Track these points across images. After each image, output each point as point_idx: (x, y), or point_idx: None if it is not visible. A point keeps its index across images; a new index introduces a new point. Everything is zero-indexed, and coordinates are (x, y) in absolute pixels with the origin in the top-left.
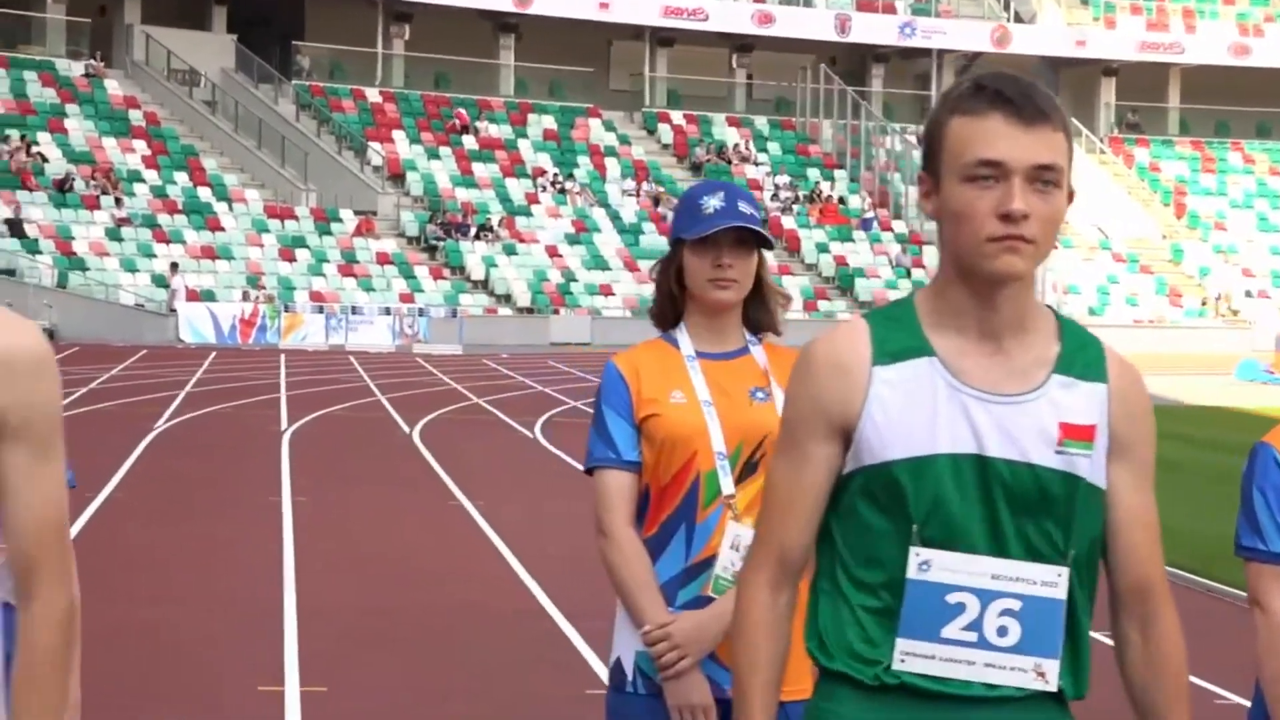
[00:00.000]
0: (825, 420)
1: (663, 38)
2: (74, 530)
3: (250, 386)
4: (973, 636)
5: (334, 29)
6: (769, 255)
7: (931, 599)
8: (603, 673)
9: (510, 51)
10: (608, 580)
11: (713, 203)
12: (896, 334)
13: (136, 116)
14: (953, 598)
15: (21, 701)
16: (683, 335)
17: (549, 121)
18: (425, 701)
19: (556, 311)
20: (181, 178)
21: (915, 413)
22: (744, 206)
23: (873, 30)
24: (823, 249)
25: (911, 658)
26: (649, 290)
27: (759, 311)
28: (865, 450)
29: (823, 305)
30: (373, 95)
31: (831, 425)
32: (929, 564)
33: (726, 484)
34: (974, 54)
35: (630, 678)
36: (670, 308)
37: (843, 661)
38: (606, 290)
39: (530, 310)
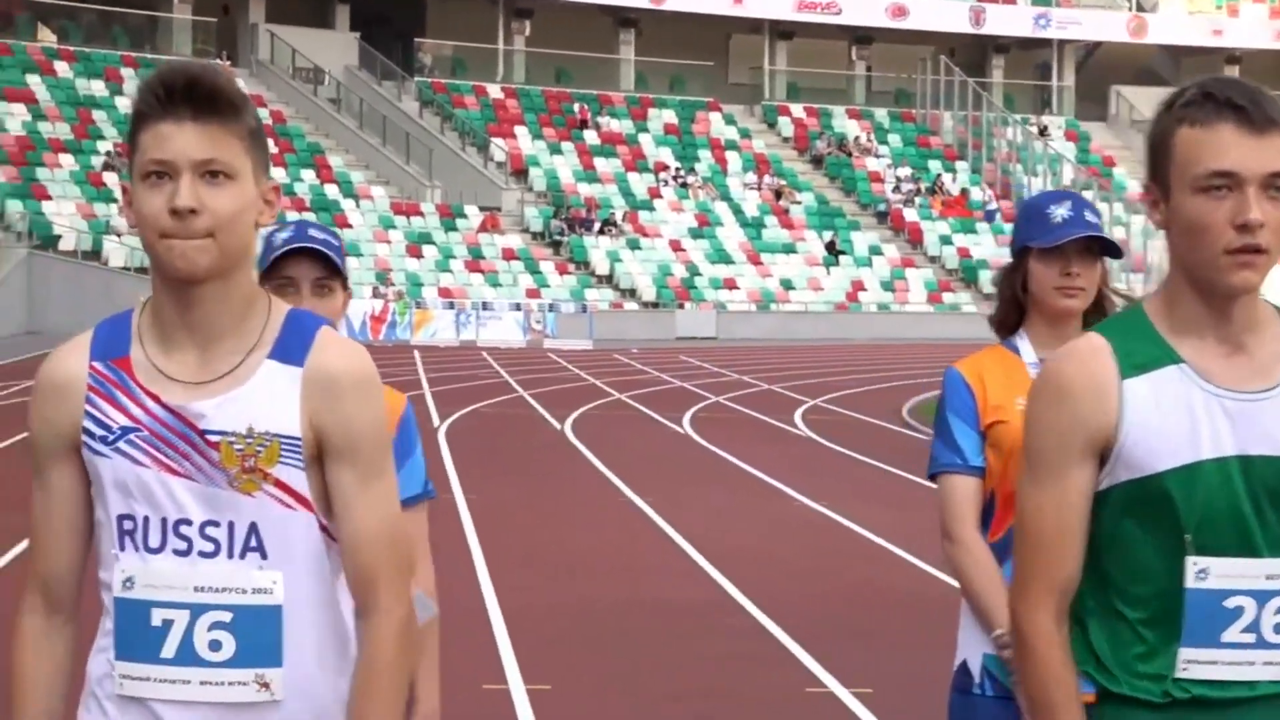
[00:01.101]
0: (1085, 441)
1: (782, 31)
2: None
3: (392, 383)
4: (1251, 638)
5: (455, 25)
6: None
7: (1211, 606)
8: (817, 669)
9: (630, 46)
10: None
11: (1060, 211)
12: (1139, 345)
13: (262, 115)
14: (1231, 602)
15: (360, 710)
16: (1024, 342)
17: (669, 116)
18: (651, 700)
19: (681, 305)
20: (308, 175)
21: (1175, 421)
22: (1090, 215)
23: (1006, 22)
24: (946, 241)
25: (1194, 665)
26: (773, 284)
27: (1099, 318)
28: (1125, 466)
29: (946, 298)
30: (494, 91)
31: (1092, 446)
32: (1206, 572)
33: None
34: (1094, 44)
35: (978, 680)
36: (1013, 314)
37: (1128, 683)
38: (730, 284)
39: (655, 305)
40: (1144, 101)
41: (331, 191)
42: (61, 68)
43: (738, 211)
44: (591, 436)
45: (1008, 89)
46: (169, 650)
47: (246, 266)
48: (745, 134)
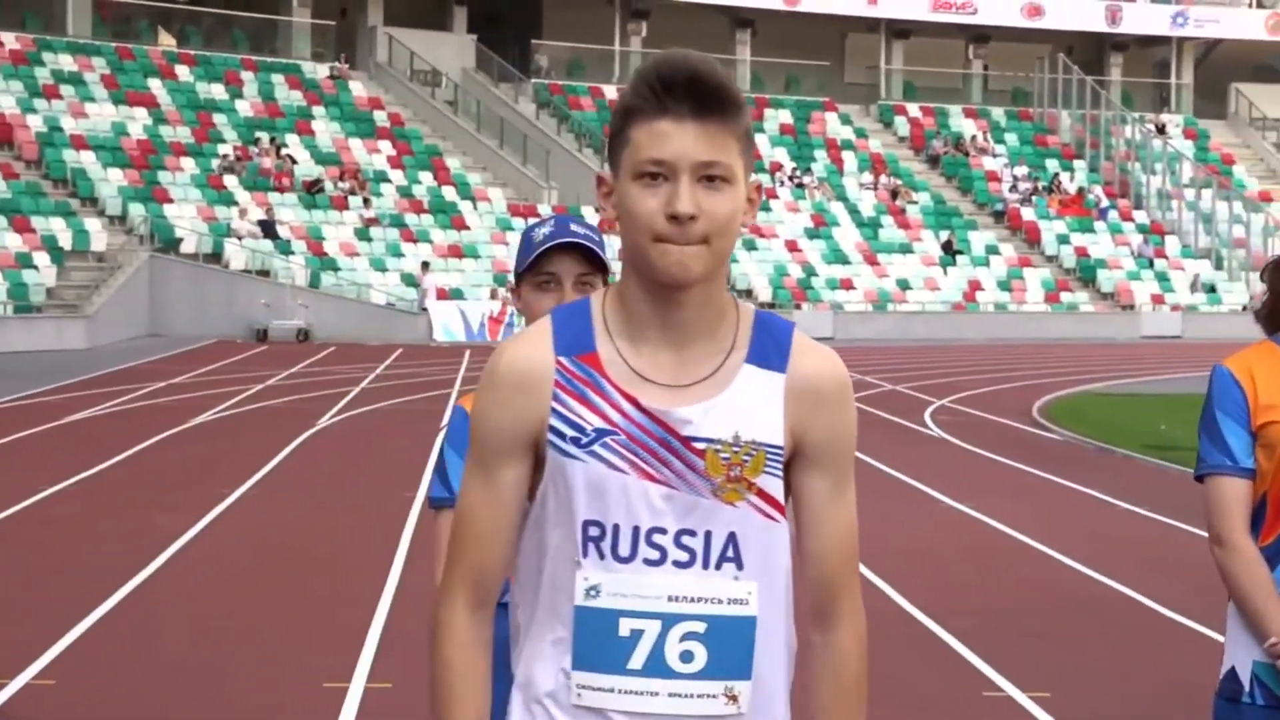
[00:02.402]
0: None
1: (898, 30)
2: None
3: None
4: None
5: (571, 27)
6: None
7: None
8: (990, 672)
9: (746, 46)
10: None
11: None
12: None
13: (381, 118)
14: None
15: None
16: None
17: (785, 116)
18: None
19: (798, 306)
20: (426, 177)
21: None
22: None
23: (1145, 20)
24: (1063, 240)
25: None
26: (889, 285)
27: None
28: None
29: (1065, 297)
30: (611, 93)
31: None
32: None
33: None
34: (1214, 41)
35: (1247, 688)
36: None
37: None
38: (847, 284)
39: (772, 305)
40: (1263, 99)
41: (449, 194)
42: (182, 71)
43: (854, 211)
44: None
45: (1126, 87)
46: (637, 661)
47: (727, 269)
48: (861, 134)
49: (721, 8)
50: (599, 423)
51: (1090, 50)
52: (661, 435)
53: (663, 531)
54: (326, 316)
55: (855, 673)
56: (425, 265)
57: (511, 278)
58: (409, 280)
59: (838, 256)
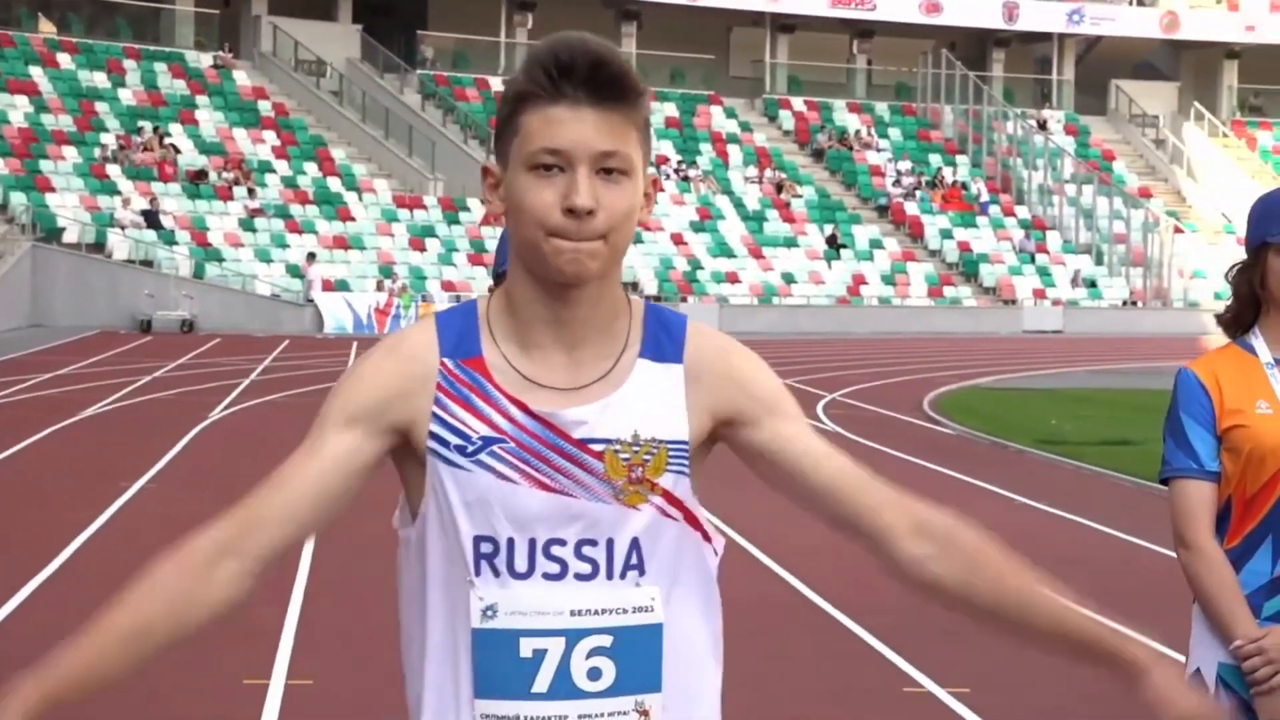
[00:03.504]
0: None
1: (783, 24)
2: None
3: None
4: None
5: (457, 18)
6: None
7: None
8: (908, 668)
9: (632, 39)
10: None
11: None
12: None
13: (265, 107)
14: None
15: (991, 558)
16: (1259, 341)
17: (670, 109)
18: (760, 698)
19: (684, 299)
20: (311, 168)
21: None
22: None
23: (1041, 17)
24: (946, 235)
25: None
26: (775, 278)
27: None
28: None
29: (948, 291)
30: (496, 84)
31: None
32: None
33: None
34: (1095, 38)
35: (1212, 689)
36: (1248, 311)
37: None
38: (733, 278)
39: (658, 298)
40: (1143, 95)
41: (334, 184)
42: (64, 59)
43: (739, 205)
44: None
45: (1008, 83)
46: (542, 683)
47: (621, 266)
48: (746, 127)
49: (607, 0)
50: (485, 430)
51: (974, 46)
52: (553, 440)
53: (561, 543)
54: (211, 308)
55: (974, 539)
56: (311, 256)
57: (491, 278)
58: (294, 271)
59: (723, 250)
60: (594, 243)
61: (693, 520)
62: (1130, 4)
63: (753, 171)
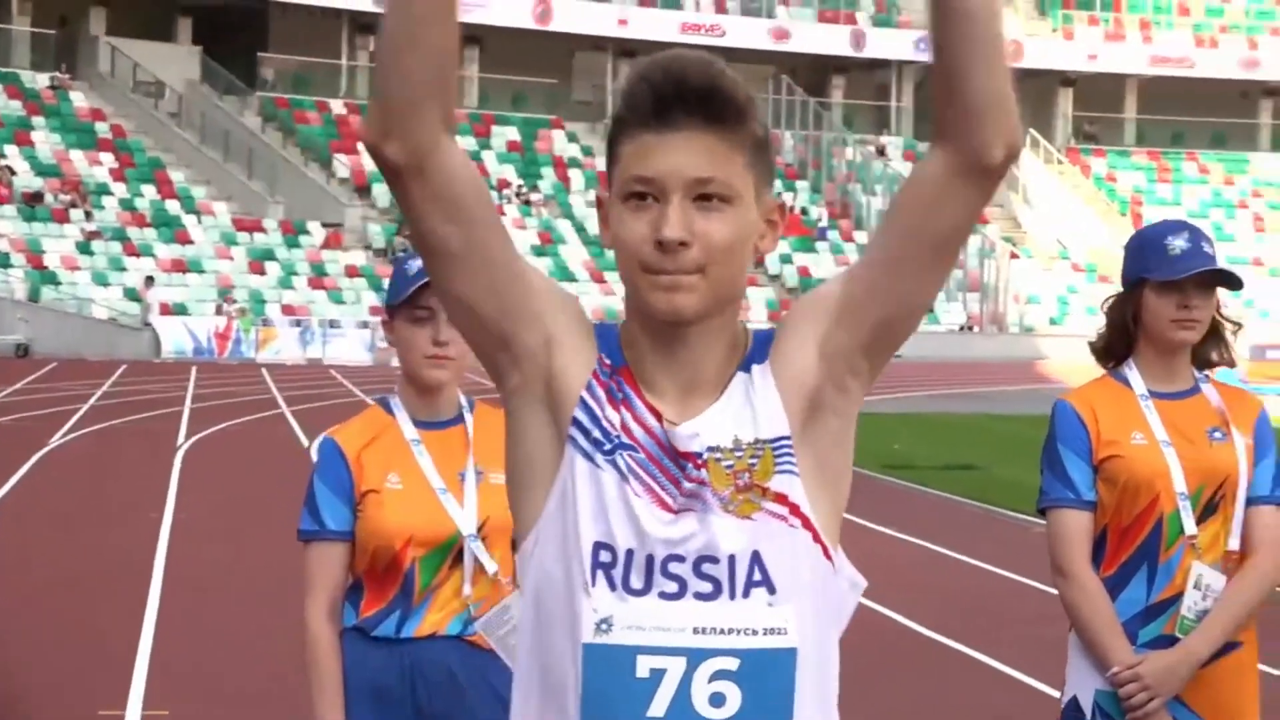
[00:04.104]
0: None
1: (625, 49)
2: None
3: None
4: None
5: (298, 40)
6: None
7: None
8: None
9: (474, 63)
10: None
11: (1178, 243)
12: None
13: (103, 129)
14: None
15: None
16: (1133, 373)
17: (512, 133)
18: None
19: None
20: (149, 190)
21: None
22: (1207, 247)
23: (888, 45)
24: (786, 260)
25: None
26: (616, 303)
27: (1214, 348)
28: None
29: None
30: (337, 107)
31: None
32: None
33: (1189, 524)
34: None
35: (1089, 716)
36: (1121, 343)
37: None
38: None
39: None
40: None
41: (173, 207)
42: None
43: (580, 230)
44: None
45: (847, 109)
46: (659, 707)
47: (739, 303)
48: (588, 151)
49: None
50: (620, 434)
51: (815, 73)
52: (661, 458)
53: (680, 560)
54: (46, 331)
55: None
56: (149, 280)
57: (384, 310)
58: (132, 295)
59: (565, 274)
60: (690, 276)
61: (811, 528)
62: None
63: (594, 196)
